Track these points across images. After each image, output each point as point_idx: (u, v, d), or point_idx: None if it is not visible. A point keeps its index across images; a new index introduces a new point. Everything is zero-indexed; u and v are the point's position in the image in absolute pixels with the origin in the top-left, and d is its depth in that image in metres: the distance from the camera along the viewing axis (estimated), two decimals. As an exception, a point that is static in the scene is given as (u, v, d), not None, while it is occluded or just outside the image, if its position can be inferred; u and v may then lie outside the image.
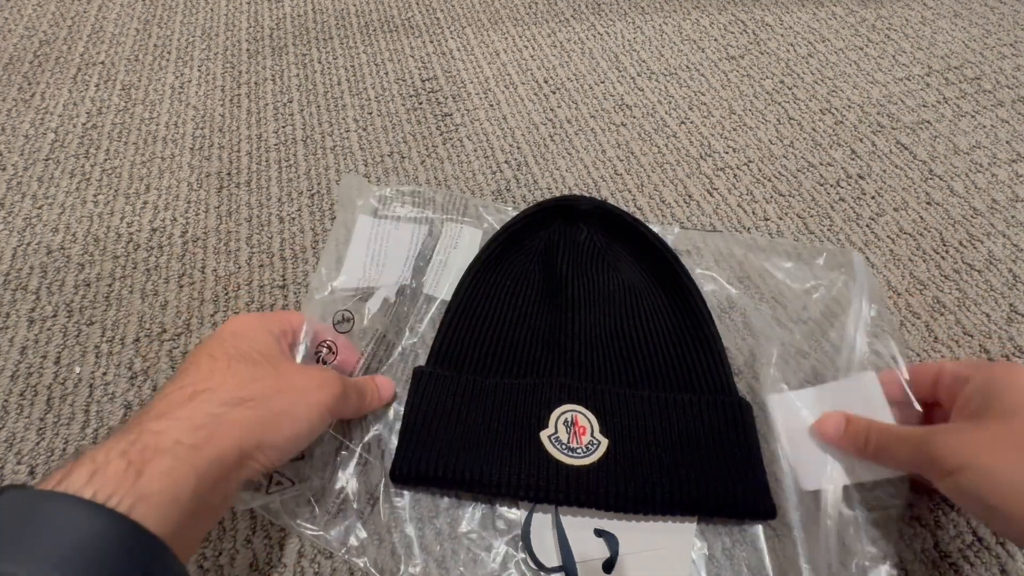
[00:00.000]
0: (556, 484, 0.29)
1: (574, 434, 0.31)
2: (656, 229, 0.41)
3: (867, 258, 0.43)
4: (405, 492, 0.32)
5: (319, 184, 0.49)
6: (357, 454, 0.32)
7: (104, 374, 0.37)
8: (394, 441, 0.33)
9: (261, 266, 0.43)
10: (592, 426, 0.32)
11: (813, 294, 0.38)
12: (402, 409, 0.33)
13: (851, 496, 0.29)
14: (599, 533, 0.30)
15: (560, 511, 0.30)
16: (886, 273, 0.43)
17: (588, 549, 0.30)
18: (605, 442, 0.31)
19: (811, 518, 0.29)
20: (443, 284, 0.40)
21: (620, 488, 0.30)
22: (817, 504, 0.29)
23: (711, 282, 0.40)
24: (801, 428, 0.31)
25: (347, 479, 0.31)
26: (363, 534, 0.30)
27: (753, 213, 0.46)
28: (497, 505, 0.31)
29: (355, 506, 0.31)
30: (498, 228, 0.41)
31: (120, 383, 0.37)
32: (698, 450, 0.31)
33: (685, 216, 0.45)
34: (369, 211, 0.42)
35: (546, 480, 0.30)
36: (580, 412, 0.32)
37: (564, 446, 0.31)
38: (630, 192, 0.48)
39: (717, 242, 0.42)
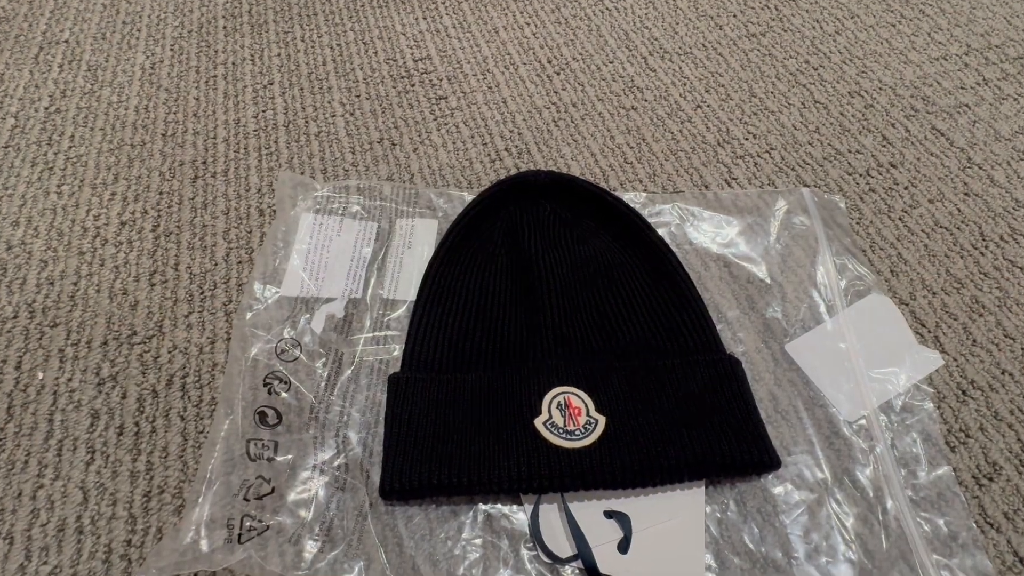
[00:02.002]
0: (559, 471, 0.30)
1: (569, 416, 0.32)
2: (623, 196, 0.43)
3: (899, 253, 0.44)
4: (396, 508, 0.32)
5: (303, 174, 0.49)
6: (333, 478, 0.33)
7: (69, 380, 0.38)
8: (377, 460, 0.33)
9: (239, 262, 0.43)
10: (587, 405, 0.33)
11: (774, 240, 0.43)
12: (380, 428, 0.34)
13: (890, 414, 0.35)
14: (609, 514, 0.31)
15: (567, 498, 0.31)
16: (920, 270, 0.43)
17: (601, 532, 0.31)
18: (602, 420, 0.32)
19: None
20: (404, 285, 0.41)
21: (625, 463, 0.31)
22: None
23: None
24: (828, 364, 0.37)
25: (328, 507, 0.32)
26: (359, 563, 0.30)
27: (775, 205, 0.46)
28: (499, 504, 0.32)
29: (343, 536, 0.31)
30: (455, 216, 0.42)
31: (87, 390, 0.37)
32: (696, 411, 0.33)
33: (702, 207, 0.45)
34: (310, 211, 0.43)
35: (548, 469, 0.31)
36: (572, 393, 0.33)
37: (561, 430, 0.32)
38: (641, 182, 0.48)
39: (682, 204, 0.45)
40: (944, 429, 0.36)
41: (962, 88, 0.55)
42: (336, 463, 0.33)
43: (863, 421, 0.35)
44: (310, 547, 0.30)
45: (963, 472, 0.34)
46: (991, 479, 0.34)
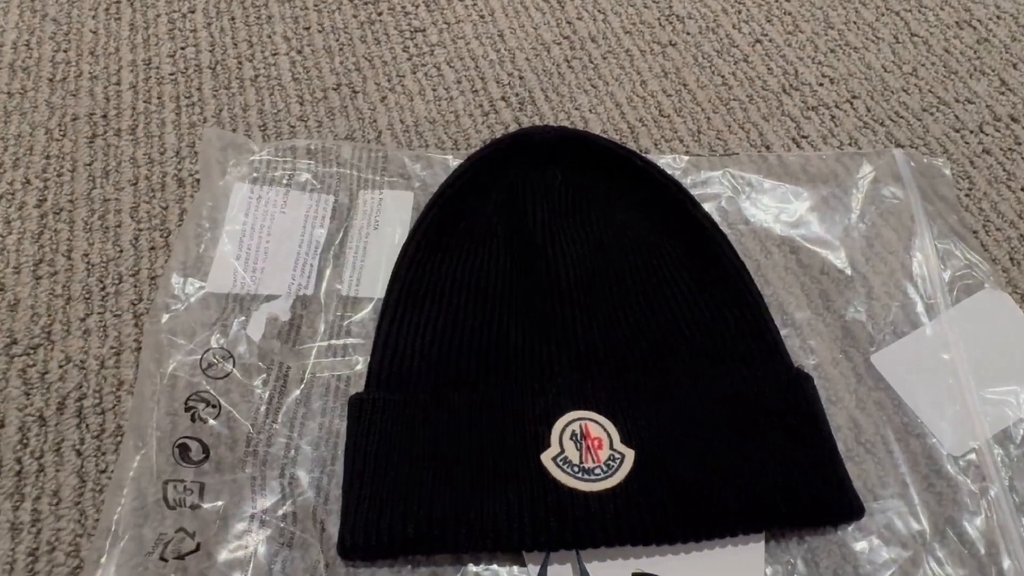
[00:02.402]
0: (573, 523, 0.30)
1: (587, 449, 0.32)
2: (658, 162, 0.44)
3: (1021, 235, 0.44)
4: (360, 570, 0.32)
5: (235, 131, 0.49)
6: (277, 531, 0.33)
7: (-71, 403, 0.38)
8: (334, 507, 0.33)
9: (152, 248, 0.43)
10: (610, 435, 0.33)
11: (855, 218, 0.44)
12: (339, 466, 0.34)
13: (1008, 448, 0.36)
14: None
15: (584, 556, 0.31)
16: (1048, 258, 0.43)
17: None
18: (630, 454, 0.32)
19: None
20: (369, 278, 0.40)
21: (659, 513, 0.31)
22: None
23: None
24: (927, 381, 0.37)
25: (270, 569, 0.31)
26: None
27: (859, 171, 0.47)
28: (494, 564, 0.32)
29: None
30: (436, 187, 0.42)
31: (-48, 416, 0.37)
32: (754, 443, 0.33)
33: (762, 175, 0.45)
34: (245, 180, 0.42)
35: (558, 519, 0.30)
36: (591, 419, 0.33)
37: (577, 468, 0.32)
38: (682, 141, 0.48)
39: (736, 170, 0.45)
40: (1079, 465, 0.36)
41: (1106, 16, 0.55)
42: (281, 511, 0.33)
43: (973, 455, 0.35)
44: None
45: (1103, 522, 0.34)
46: None
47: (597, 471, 0.32)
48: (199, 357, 0.37)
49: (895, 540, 0.33)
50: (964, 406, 0.37)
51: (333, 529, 0.33)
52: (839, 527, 0.33)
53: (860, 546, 0.33)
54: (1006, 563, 0.33)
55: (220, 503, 0.33)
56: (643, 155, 0.43)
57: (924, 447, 0.36)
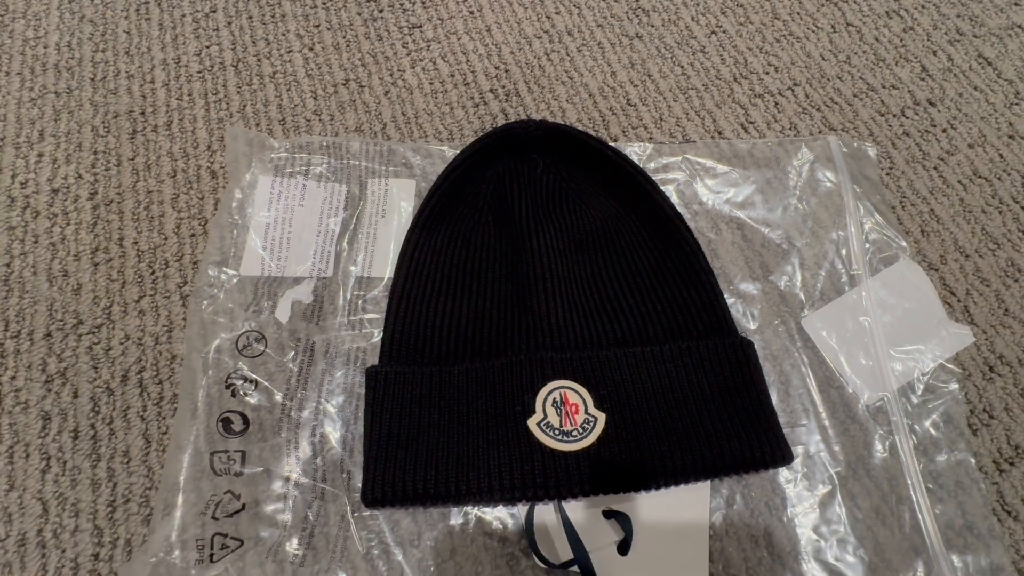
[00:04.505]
0: (555, 478, 0.29)
1: (566, 415, 0.31)
2: (626, 150, 0.40)
3: (931, 209, 0.40)
4: (381, 513, 0.31)
5: (259, 125, 0.43)
6: (311, 485, 0.31)
7: (13, 379, 0.35)
8: (358, 460, 0.32)
9: (193, 235, 0.39)
10: (585, 401, 0.31)
11: (792, 199, 0.39)
12: (360, 424, 0.32)
13: (910, 398, 0.34)
14: (608, 515, 0.30)
15: (564, 501, 0.31)
16: (953, 229, 0.39)
17: (599, 534, 0.30)
18: (602, 417, 0.31)
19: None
20: (380, 259, 0.37)
21: (625, 469, 0.30)
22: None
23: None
24: (847, 341, 0.35)
25: (307, 516, 0.30)
26: (344, 575, 0.29)
27: (797, 154, 0.42)
28: (492, 507, 0.31)
29: (326, 545, 0.30)
30: (435, 176, 0.38)
31: (34, 389, 0.34)
32: (705, 404, 0.31)
33: (715, 160, 0.41)
34: (268, 173, 0.39)
35: (543, 476, 0.29)
36: (569, 388, 0.31)
37: (557, 431, 0.30)
38: (646, 128, 0.43)
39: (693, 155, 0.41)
40: (967, 410, 0.34)
41: (1016, 5, 0.48)
42: (314, 467, 0.31)
43: (882, 403, 0.33)
44: (291, 559, 0.29)
45: (984, 457, 0.33)
46: (1012, 463, 0.33)
47: (574, 433, 0.30)
48: (237, 337, 0.33)
49: (816, 477, 0.32)
50: (877, 362, 0.34)
51: (357, 480, 0.31)
52: (771, 469, 0.32)
53: (787, 482, 0.32)
54: (904, 493, 0.31)
55: (260, 468, 0.30)
56: (613, 145, 0.39)
57: (842, 397, 0.34)
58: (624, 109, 0.44)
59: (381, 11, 0.49)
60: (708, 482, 0.31)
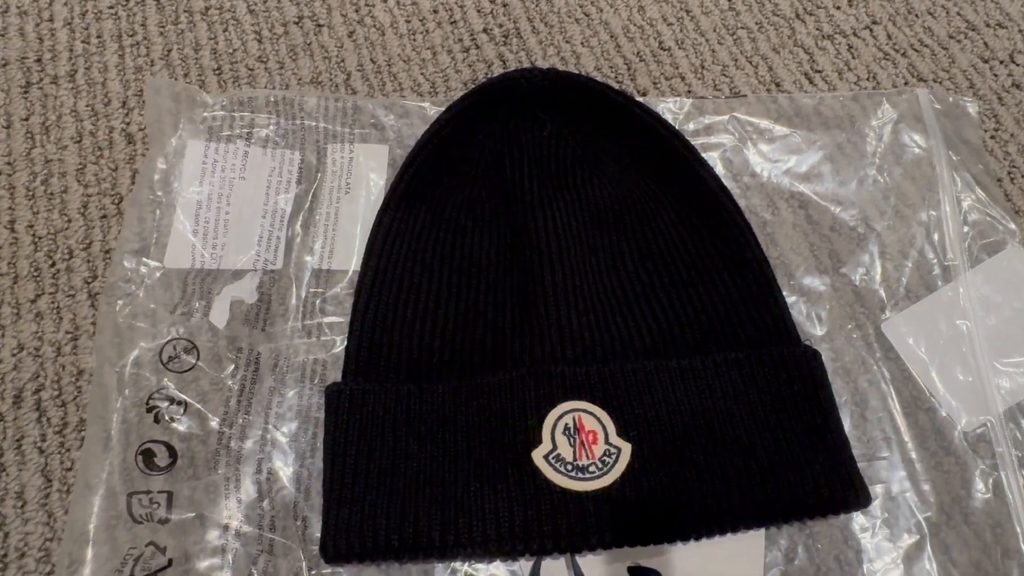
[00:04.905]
0: (567, 525, 0.29)
1: (581, 445, 0.31)
2: (657, 107, 0.40)
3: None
4: (344, 572, 0.31)
5: (187, 76, 0.44)
6: (256, 535, 0.31)
7: None
8: (316, 502, 0.32)
9: (104, 217, 0.39)
10: (605, 428, 0.31)
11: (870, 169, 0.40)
12: (320, 457, 0.32)
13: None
14: (635, 572, 0.31)
15: (578, 554, 0.31)
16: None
17: None
18: (627, 448, 0.31)
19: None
20: (343, 247, 0.37)
21: (657, 514, 0.30)
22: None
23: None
24: (940, 351, 0.35)
25: None
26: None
27: (877, 112, 0.42)
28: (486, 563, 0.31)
29: None
30: (414, 141, 0.38)
31: (-98, 412, 0.34)
32: (758, 431, 0.31)
33: (771, 120, 0.41)
34: (199, 137, 0.39)
35: (552, 523, 0.29)
36: (585, 411, 0.32)
37: (570, 466, 0.30)
38: (684, 79, 0.44)
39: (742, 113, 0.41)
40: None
41: None
42: (259, 512, 0.31)
43: (984, 431, 0.34)
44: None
45: (1114, 498, 0.33)
46: None
47: (592, 468, 0.30)
48: (161, 347, 0.34)
49: (900, 524, 0.32)
50: (978, 378, 0.35)
51: (316, 528, 0.31)
52: (841, 514, 0.32)
53: (863, 531, 0.32)
54: (1012, 544, 0.31)
55: (191, 514, 0.31)
56: (641, 100, 0.39)
57: (933, 422, 0.34)
58: (655, 54, 0.44)
59: (344, -71, 0.49)
60: (762, 531, 0.31)
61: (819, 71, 0.44)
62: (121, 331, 0.34)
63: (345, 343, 0.35)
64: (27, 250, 0.38)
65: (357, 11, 0.46)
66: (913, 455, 0.33)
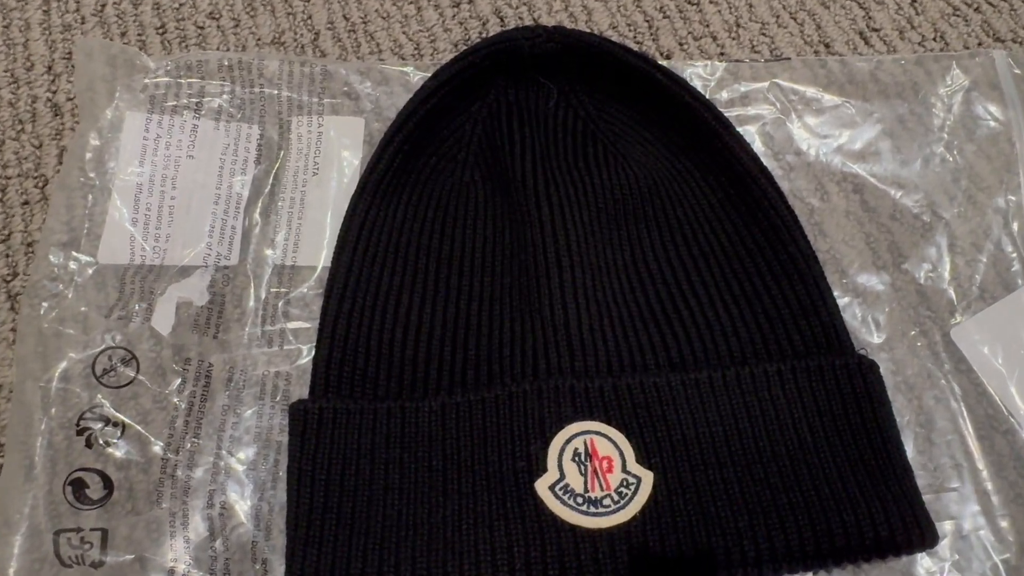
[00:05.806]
0: (577, 567, 0.30)
1: (593, 473, 0.31)
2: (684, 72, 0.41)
3: None
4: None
5: (125, 35, 0.44)
6: None
7: None
8: (279, 542, 0.32)
9: (26, 203, 0.40)
10: (623, 453, 0.32)
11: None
12: (283, 487, 0.32)
13: None
14: None
15: None
16: None
17: None
18: (648, 477, 0.31)
19: None
20: (310, 240, 0.38)
21: (685, 551, 0.30)
22: None
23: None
24: (1020, 362, 0.35)
25: None
26: None
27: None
28: None
29: None
30: (394, 115, 0.39)
31: None
32: (804, 457, 0.32)
33: (820, 88, 0.42)
34: (140, 108, 0.39)
35: (559, 565, 0.30)
36: (598, 433, 0.32)
37: (581, 498, 0.31)
38: (715, 38, 0.45)
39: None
40: None
41: None
42: (211, 553, 0.32)
43: None
44: None
45: None
46: None
47: (606, 501, 0.31)
48: (94, 358, 0.34)
49: (974, 567, 0.32)
50: None
51: (279, 570, 0.32)
52: (904, 555, 0.32)
53: (930, 575, 0.32)
54: (1106, 592, 0.32)
55: (130, 556, 0.31)
56: (664, 64, 0.40)
57: (1012, 447, 0.34)
58: (682, 9, 0.45)
59: None
60: (810, 575, 0.32)
61: (876, 29, 0.45)
62: (46, 339, 0.35)
63: (313, 353, 0.35)
64: (-71, 244, 0.39)
65: (327, -41, 0.47)
66: (988, 486, 0.34)
